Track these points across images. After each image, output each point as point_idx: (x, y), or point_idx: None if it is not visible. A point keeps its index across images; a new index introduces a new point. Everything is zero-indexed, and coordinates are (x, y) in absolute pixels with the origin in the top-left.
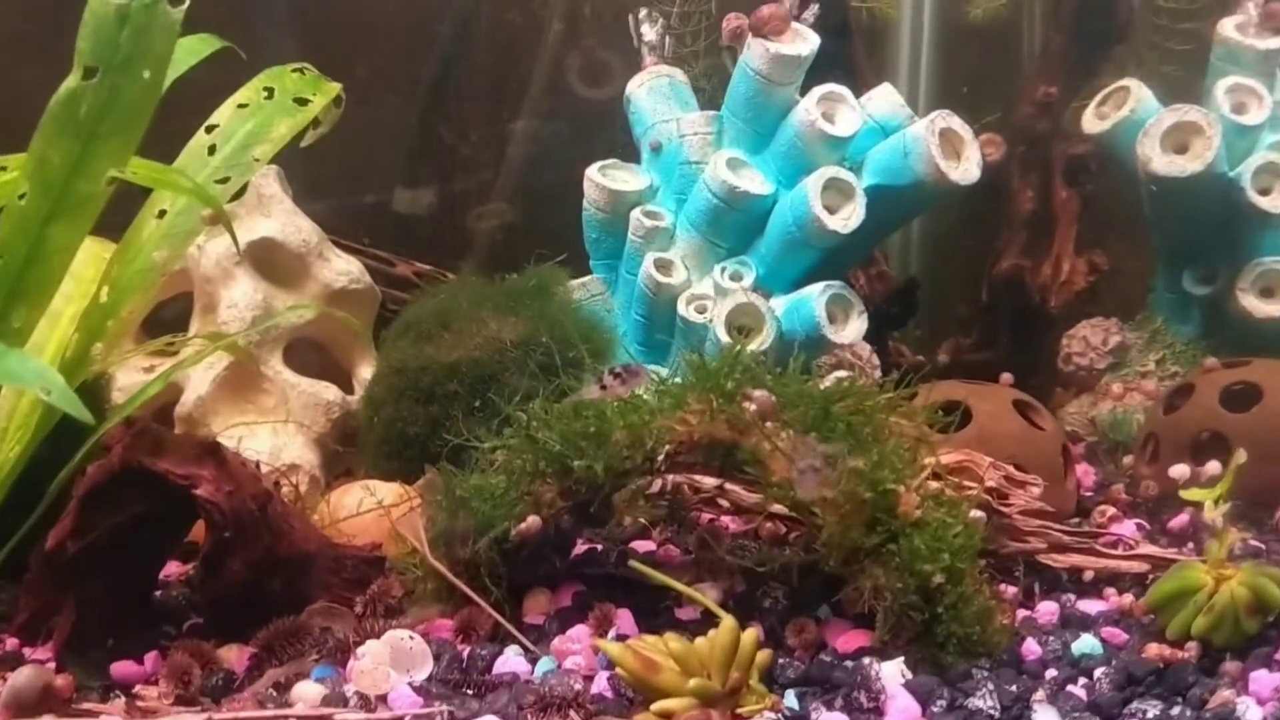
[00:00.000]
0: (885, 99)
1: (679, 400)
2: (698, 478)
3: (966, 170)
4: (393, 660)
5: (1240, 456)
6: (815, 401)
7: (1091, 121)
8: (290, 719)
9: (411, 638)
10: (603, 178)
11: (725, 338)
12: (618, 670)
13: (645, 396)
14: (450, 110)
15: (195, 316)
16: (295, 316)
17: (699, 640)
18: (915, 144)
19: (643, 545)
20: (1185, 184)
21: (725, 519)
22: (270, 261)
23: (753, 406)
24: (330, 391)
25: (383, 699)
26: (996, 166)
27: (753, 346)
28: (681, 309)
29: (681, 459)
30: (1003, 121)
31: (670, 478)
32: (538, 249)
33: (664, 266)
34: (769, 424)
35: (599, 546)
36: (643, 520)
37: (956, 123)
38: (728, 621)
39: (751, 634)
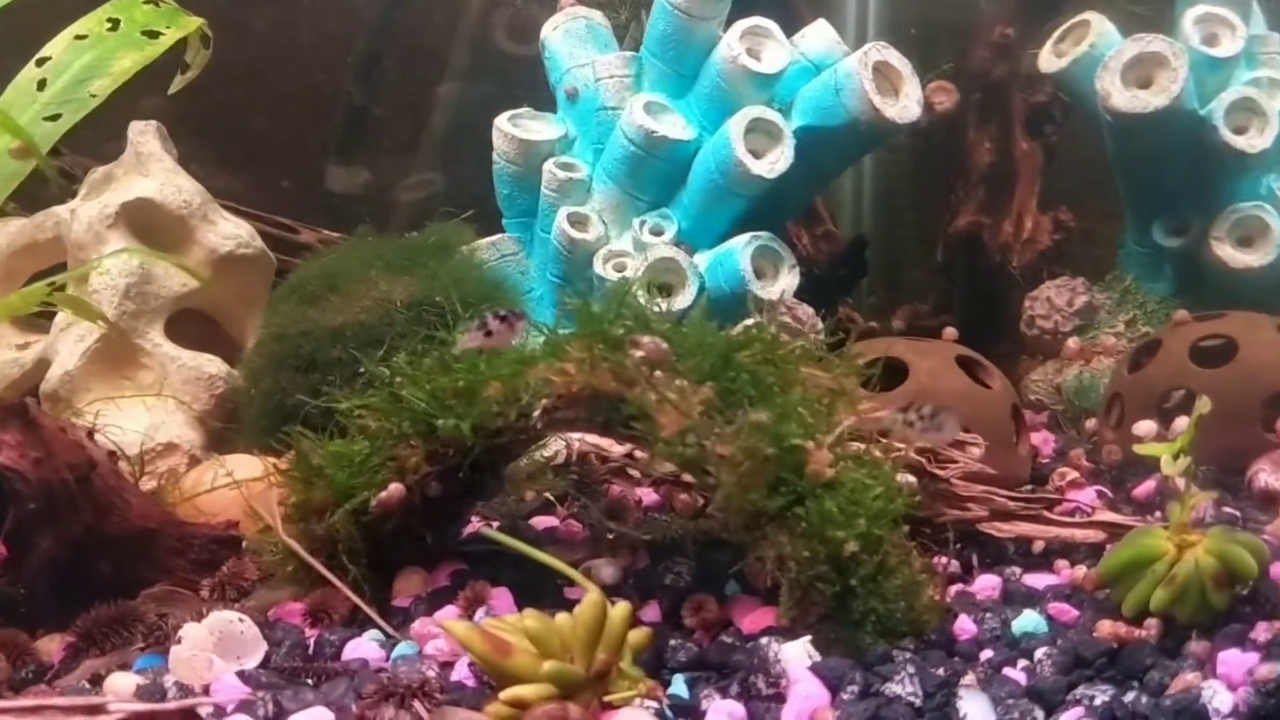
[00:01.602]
0: (820, 35)
1: (557, 348)
2: (605, 445)
3: (905, 108)
4: (219, 646)
5: (1204, 405)
6: (714, 349)
7: (1049, 60)
8: (49, 709)
9: (241, 620)
10: (513, 127)
11: (644, 297)
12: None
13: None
14: (370, 73)
15: (70, 287)
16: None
17: (560, 617)
18: (847, 80)
19: (546, 521)
20: (1149, 121)
21: (640, 490)
22: (148, 224)
23: (639, 354)
24: (214, 364)
25: (206, 689)
26: (950, 116)
27: (675, 305)
28: (598, 267)
29: (560, 414)
30: (957, 67)
31: (575, 446)
32: (465, 212)
33: (579, 221)
34: (659, 374)
35: (494, 522)
36: (548, 495)
37: (893, 55)
38: (592, 595)
39: (622, 609)
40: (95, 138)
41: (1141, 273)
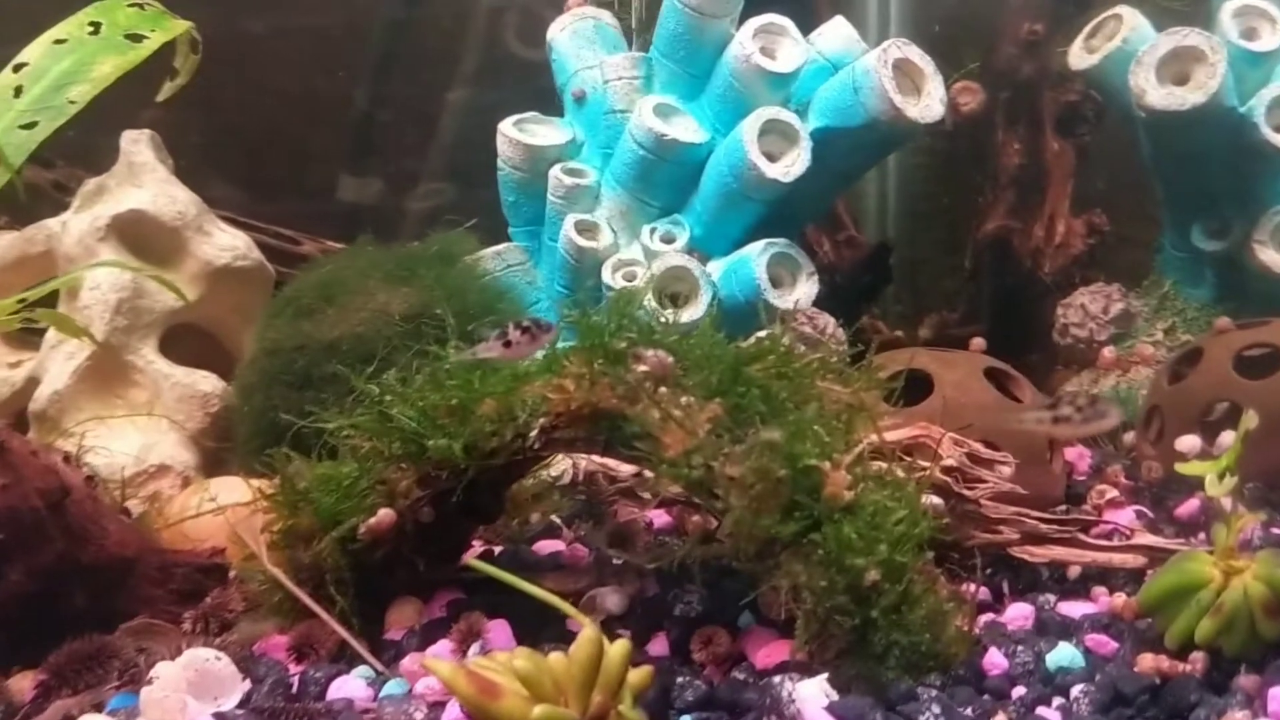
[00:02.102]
0: (837, 33)
1: (555, 363)
2: (613, 465)
3: (927, 107)
4: (195, 686)
5: (1251, 420)
6: (724, 362)
7: (1079, 56)
8: None
9: (219, 658)
10: (518, 132)
11: (655, 308)
12: None
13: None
14: (381, 82)
15: (62, 303)
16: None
17: (553, 656)
18: (866, 78)
19: (552, 544)
20: (1186, 119)
21: (651, 513)
22: (141, 237)
23: (642, 368)
24: (208, 382)
25: None
26: (977, 117)
27: (686, 315)
28: (608, 277)
29: (560, 434)
30: (984, 65)
31: (583, 466)
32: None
33: (587, 229)
34: (664, 390)
35: (495, 548)
36: (554, 517)
37: (914, 52)
38: (587, 632)
39: (620, 647)
40: (102, 148)
41: (1180, 278)
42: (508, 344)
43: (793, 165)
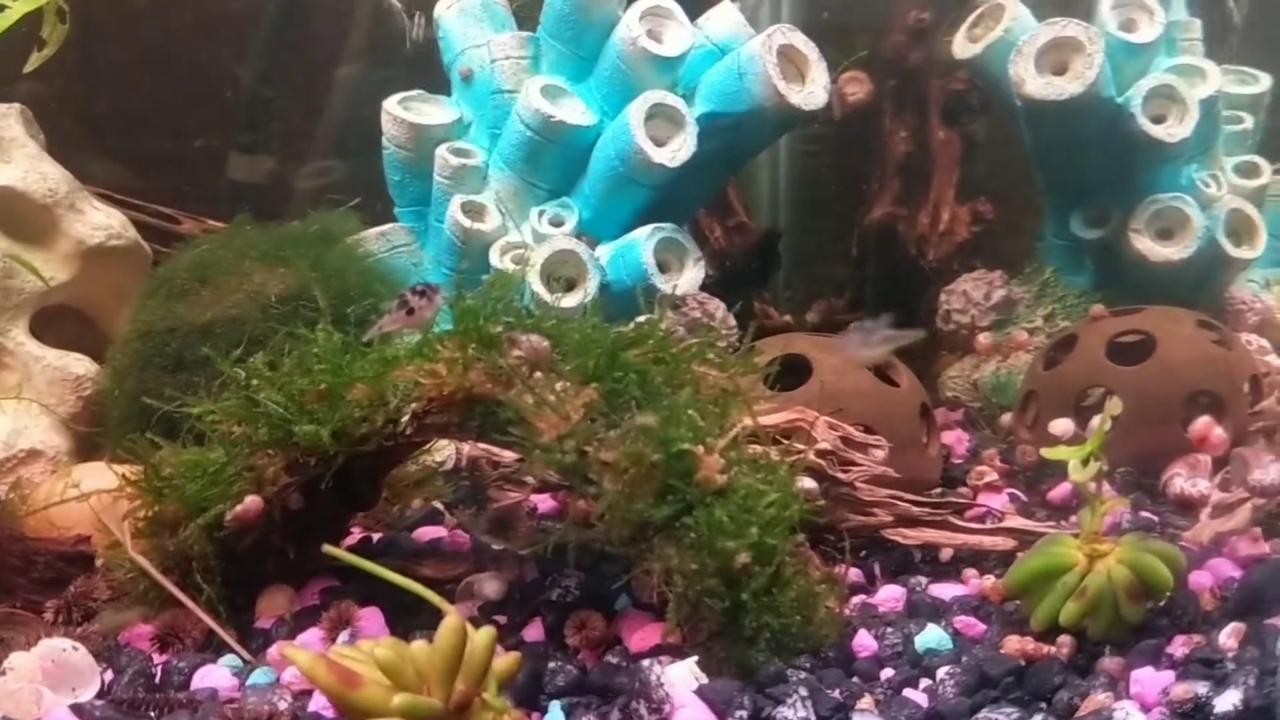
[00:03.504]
0: (725, 18)
1: (427, 347)
2: (496, 450)
3: (811, 94)
4: (52, 677)
5: (1115, 406)
6: (601, 347)
7: (963, 45)
8: None
9: (75, 648)
10: (403, 111)
11: (542, 292)
12: None
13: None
14: (267, 56)
15: None
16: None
17: (416, 645)
18: (751, 64)
19: (433, 531)
20: (1065, 109)
21: (535, 498)
22: (11, 214)
23: (517, 353)
24: (81, 364)
25: None
26: (864, 108)
27: (574, 300)
28: (495, 259)
29: (432, 419)
30: (872, 53)
31: (466, 451)
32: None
33: (474, 211)
34: (537, 374)
35: (374, 535)
36: (437, 504)
37: (798, 38)
38: (450, 620)
39: (485, 634)
40: None
41: (1061, 265)
42: (410, 311)
43: (679, 150)
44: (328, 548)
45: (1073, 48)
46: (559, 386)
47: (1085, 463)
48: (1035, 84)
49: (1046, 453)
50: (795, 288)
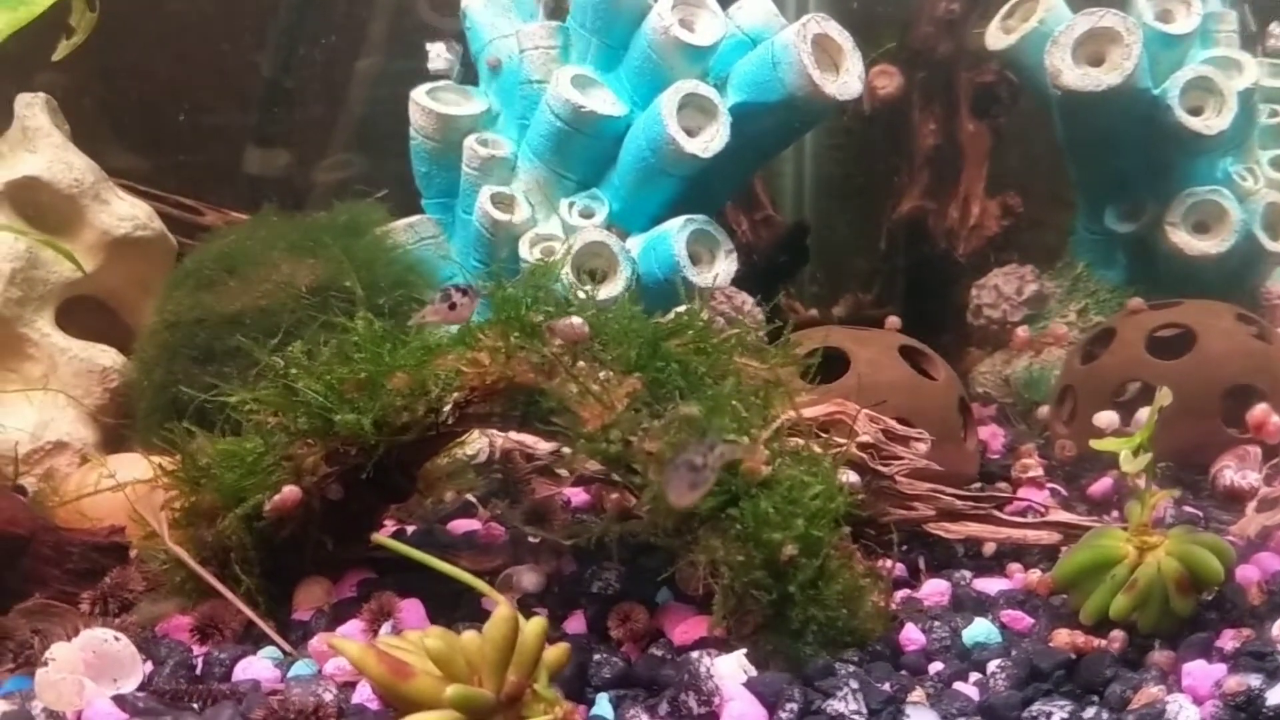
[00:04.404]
0: (757, 7)
1: (469, 336)
2: (530, 441)
3: (845, 84)
4: (93, 668)
5: (1165, 396)
6: (642, 337)
7: (996, 36)
8: None
9: (117, 639)
10: (431, 101)
11: (575, 284)
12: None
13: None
14: (289, 49)
15: None
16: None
17: (467, 635)
18: (785, 53)
19: (467, 524)
20: (1101, 100)
21: (569, 491)
22: (36, 205)
23: (558, 341)
24: (107, 356)
25: (78, 716)
26: (894, 101)
27: (605, 292)
28: (524, 251)
29: (474, 409)
30: (900, 44)
31: (499, 444)
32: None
33: (503, 202)
34: (580, 364)
35: (408, 528)
36: (469, 496)
37: (833, 28)
38: (502, 610)
39: (536, 624)
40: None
41: (1093, 260)
42: (452, 306)
43: (712, 140)
44: (378, 537)
45: (1110, 38)
46: (602, 376)
47: (1135, 454)
48: (1072, 75)
49: (1096, 444)
50: (820, 282)
